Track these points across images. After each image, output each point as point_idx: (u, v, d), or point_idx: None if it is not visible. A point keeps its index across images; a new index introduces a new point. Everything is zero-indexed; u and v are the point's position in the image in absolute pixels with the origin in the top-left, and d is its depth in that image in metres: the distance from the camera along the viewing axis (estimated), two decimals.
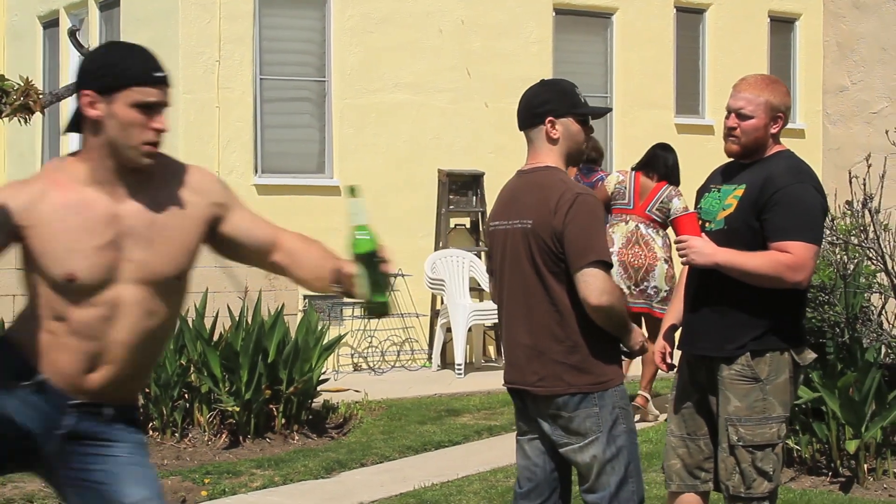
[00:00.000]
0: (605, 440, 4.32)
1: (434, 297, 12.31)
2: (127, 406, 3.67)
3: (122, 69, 3.45)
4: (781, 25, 14.81)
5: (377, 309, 3.44)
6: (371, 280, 3.39)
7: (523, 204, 4.38)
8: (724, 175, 4.89)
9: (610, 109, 4.71)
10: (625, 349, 4.46)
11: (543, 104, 4.40)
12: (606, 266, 4.26)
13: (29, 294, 3.57)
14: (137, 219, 3.49)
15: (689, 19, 14.29)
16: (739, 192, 4.73)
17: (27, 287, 3.56)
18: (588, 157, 9.85)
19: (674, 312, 4.97)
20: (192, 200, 3.58)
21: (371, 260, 3.39)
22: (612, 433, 4.33)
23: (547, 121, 4.38)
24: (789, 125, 15.70)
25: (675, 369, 4.99)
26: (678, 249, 4.68)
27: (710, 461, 4.84)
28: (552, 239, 4.26)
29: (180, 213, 3.56)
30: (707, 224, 4.74)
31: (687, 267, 4.86)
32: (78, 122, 3.55)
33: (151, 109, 3.46)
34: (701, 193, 4.95)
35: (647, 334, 8.68)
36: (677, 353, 4.97)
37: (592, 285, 4.22)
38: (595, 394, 4.31)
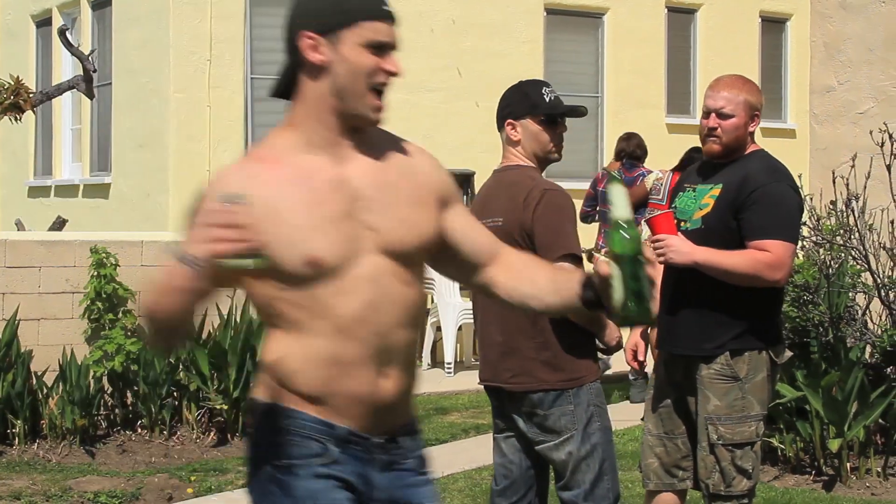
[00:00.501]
0: (580, 438, 4.35)
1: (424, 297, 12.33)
2: (412, 421, 3.14)
3: (346, 3, 2.89)
4: (772, 25, 14.84)
5: (636, 317, 2.85)
6: (631, 286, 2.81)
7: (495, 203, 4.44)
8: (699, 175, 4.92)
9: (576, 108, 4.60)
10: (601, 345, 4.49)
11: (505, 107, 4.50)
12: (576, 260, 4.29)
13: (272, 321, 2.92)
14: (367, 180, 2.92)
15: (681, 19, 14.33)
16: (716, 191, 4.76)
17: (266, 312, 2.94)
18: (632, 154, 10.07)
19: None
20: (422, 170, 3.02)
21: (634, 262, 2.81)
22: (587, 431, 4.37)
23: (507, 123, 4.45)
24: (780, 125, 15.70)
25: (651, 367, 5.02)
26: (655, 249, 4.68)
27: (688, 460, 4.88)
28: (521, 235, 4.30)
29: (412, 177, 2.99)
30: (683, 223, 4.77)
31: (662, 267, 4.90)
32: (287, 84, 2.98)
33: (382, 50, 2.90)
34: (675, 193, 4.98)
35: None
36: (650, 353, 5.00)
37: None
38: (570, 392, 4.35)
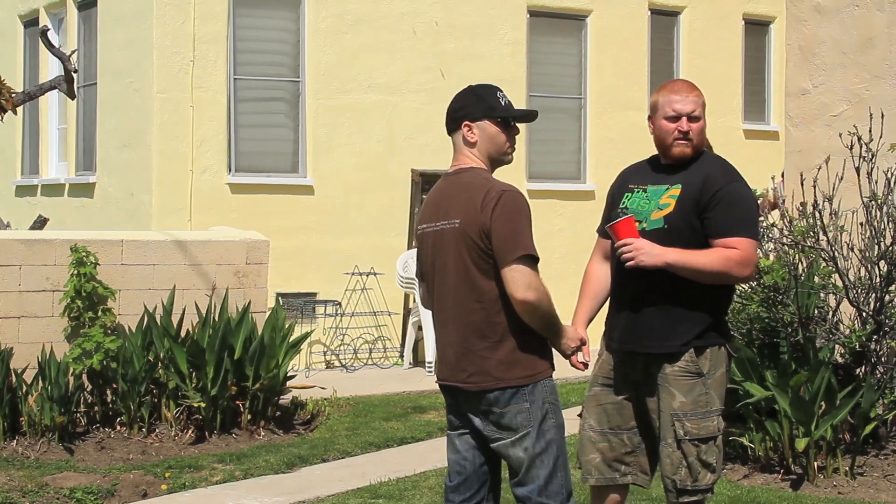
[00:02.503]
0: (536, 434, 4.42)
1: (406, 296, 12.41)
2: None
3: None
4: (756, 28, 14.92)
5: None
6: None
7: (450, 205, 4.50)
8: (646, 175, 4.97)
9: (529, 112, 4.72)
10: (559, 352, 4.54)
11: (460, 109, 4.55)
12: (533, 261, 4.36)
13: None
14: None
15: (664, 21, 14.40)
16: (675, 191, 4.81)
17: None
18: None
19: (585, 311, 5.03)
20: None
21: None
22: (542, 428, 4.43)
23: (463, 125, 4.53)
24: (763, 127, 15.65)
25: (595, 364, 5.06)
26: (623, 253, 4.72)
27: (632, 455, 4.95)
28: (480, 236, 4.37)
29: None
30: (639, 224, 4.82)
31: (604, 267, 4.98)
32: None
33: None
34: (621, 194, 5.01)
35: None
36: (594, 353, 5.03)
37: (518, 281, 4.32)
38: (525, 389, 4.41)
